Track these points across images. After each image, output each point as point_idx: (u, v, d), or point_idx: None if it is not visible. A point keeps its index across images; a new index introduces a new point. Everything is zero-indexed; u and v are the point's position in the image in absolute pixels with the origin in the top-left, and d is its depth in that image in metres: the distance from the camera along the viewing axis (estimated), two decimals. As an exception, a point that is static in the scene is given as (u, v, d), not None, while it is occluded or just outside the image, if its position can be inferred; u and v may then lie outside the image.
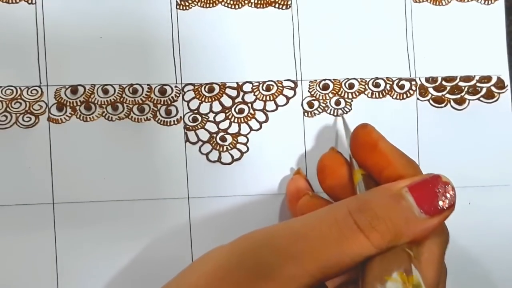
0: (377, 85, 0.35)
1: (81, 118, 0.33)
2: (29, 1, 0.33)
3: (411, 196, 0.23)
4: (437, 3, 0.36)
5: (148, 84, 0.34)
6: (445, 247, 0.25)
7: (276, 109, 0.35)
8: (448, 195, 0.24)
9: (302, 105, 0.35)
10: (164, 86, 0.34)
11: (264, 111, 0.34)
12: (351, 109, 0.35)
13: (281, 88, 0.35)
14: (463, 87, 0.36)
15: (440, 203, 0.23)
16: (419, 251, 0.24)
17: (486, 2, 0.36)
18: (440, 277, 0.25)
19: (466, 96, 0.36)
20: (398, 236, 0.23)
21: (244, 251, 0.23)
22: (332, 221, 0.23)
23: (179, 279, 0.25)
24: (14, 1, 0.33)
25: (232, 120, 0.34)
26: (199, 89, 0.34)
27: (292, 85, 0.35)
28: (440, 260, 0.25)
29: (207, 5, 0.34)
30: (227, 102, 0.34)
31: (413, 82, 0.35)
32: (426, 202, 0.23)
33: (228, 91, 0.34)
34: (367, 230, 0.22)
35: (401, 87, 0.35)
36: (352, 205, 0.23)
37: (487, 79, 0.36)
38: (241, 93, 0.34)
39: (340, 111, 0.35)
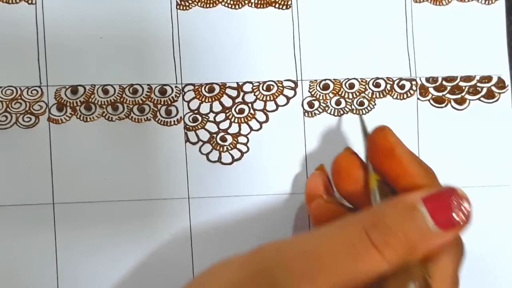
0: (377, 85, 0.35)
1: (81, 118, 0.33)
2: (29, 1, 0.33)
3: (425, 208, 0.23)
4: (437, 3, 0.36)
5: (148, 84, 0.34)
6: (460, 263, 0.25)
7: (277, 109, 0.35)
8: (463, 209, 0.23)
9: (302, 105, 0.35)
10: (164, 86, 0.34)
11: (265, 111, 0.34)
12: (352, 109, 0.35)
13: (281, 88, 0.35)
14: (463, 87, 0.36)
15: (455, 217, 0.23)
16: (432, 267, 0.24)
17: (487, 2, 0.36)
18: None
19: (467, 96, 0.36)
20: (412, 251, 0.22)
21: (257, 268, 0.23)
22: (346, 237, 0.22)
23: (196, 286, 0.25)
24: (14, 1, 0.33)
25: (232, 120, 0.34)
26: (199, 89, 0.34)
27: (292, 85, 0.35)
28: (454, 277, 0.24)
29: (207, 5, 0.34)
30: (227, 102, 0.34)
31: (414, 82, 0.35)
32: (440, 216, 0.23)
33: (228, 91, 0.34)
34: (381, 246, 0.22)
35: (402, 87, 0.35)
36: (366, 221, 0.23)
37: (488, 79, 0.36)
38: (241, 93, 0.34)
39: (361, 111, 0.34)
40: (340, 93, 0.35)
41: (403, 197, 0.24)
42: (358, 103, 0.35)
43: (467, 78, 0.36)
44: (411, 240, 0.22)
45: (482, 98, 0.36)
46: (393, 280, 0.22)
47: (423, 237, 0.22)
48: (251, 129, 0.34)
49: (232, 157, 0.34)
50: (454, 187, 0.24)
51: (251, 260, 0.24)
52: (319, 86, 0.35)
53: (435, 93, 0.36)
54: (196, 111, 0.34)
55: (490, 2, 0.36)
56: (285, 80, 0.35)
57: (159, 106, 0.34)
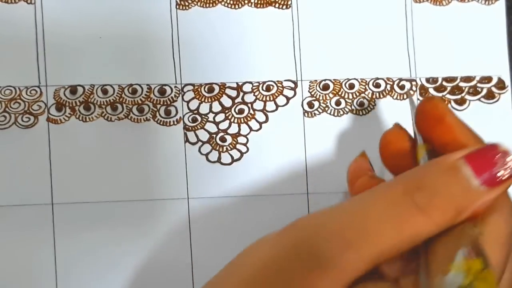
0: (377, 86, 0.35)
1: (80, 118, 0.33)
2: (29, 1, 0.33)
3: (469, 167, 0.22)
4: (437, 3, 0.36)
5: (147, 84, 0.33)
6: None
7: (276, 109, 0.34)
8: (507, 164, 0.22)
9: (302, 105, 0.35)
10: (164, 86, 0.34)
11: (264, 111, 0.34)
12: (352, 109, 0.35)
13: (281, 88, 0.35)
14: (463, 88, 0.36)
15: (500, 173, 0.22)
16: (484, 227, 0.22)
17: (487, 2, 0.36)
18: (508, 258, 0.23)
19: (467, 97, 0.36)
20: (460, 212, 0.21)
21: (296, 242, 0.22)
22: (389, 201, 0.21)
23: (230, 271, 0.23)
24: (13, 1, 0.33)
25: (232, 120, 0.34)
26: (199, 89, 0.34)
27: (292, 85, 0.35)
28: (507, 238, 0.23)
29: (207, 5, 0.34)
30: (227, 102, 0.34)
31: (414, 83, 0.35)
32: (484, 173, 0.22)
33: (228, 91, 0.34)
34: (428, 208, 0.21)
35: (402, 87, 0.35)
36: (408, 183, 0.22)
37: (488, 79, 0.36)
38: (241, 93, 0.34)
39: (410, 92, 0.34)
40: (340, 93, 0.35)
41: (445, 157, 0.23)
42: (358, 103, 0.35)
43: (467, 79, 0.36)
44: (458, 201, 0.21)
45: (482, 99, 0.36)
46: (442, 246, 0.21)
47: (469, 196, 0.21)
48: (251, 129, 0.34)
49: (232, 157, 0.34)
50: (495, 143, 0.22)
51: (287, 234, 0.22)
52: (319, 86, 0.35)
53: (435, 94, 0.35)
54: (195, 111, 0.34)
55: (490, 2, 0.36)
56: (285, 80, 0.35)
57: (158, 106, 0.34)
